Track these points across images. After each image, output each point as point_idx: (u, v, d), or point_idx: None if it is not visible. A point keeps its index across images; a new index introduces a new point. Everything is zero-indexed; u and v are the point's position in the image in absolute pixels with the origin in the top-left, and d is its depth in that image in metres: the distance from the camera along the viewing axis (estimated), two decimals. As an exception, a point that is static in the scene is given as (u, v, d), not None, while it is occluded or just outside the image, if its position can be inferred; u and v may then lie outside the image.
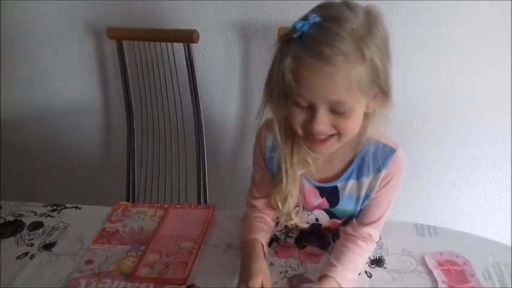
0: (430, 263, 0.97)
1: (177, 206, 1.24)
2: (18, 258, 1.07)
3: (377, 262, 0.99)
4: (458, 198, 1.64)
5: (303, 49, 0.76)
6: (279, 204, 0.95)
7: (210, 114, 1.59)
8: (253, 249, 0.95)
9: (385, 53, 0.79)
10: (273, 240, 1.06)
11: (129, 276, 1.00)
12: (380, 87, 0.80)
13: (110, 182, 1.70)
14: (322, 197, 0.96)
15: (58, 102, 1.73)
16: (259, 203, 1.03)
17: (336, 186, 0.94)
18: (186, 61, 1.45)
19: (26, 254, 1.08)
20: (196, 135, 1.53)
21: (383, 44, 0.78)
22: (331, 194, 0.95)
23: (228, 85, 1.59)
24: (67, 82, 1.69)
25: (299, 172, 0.92)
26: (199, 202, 1.55)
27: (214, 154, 1.65)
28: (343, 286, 0.89)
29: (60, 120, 1.77)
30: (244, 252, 0.97)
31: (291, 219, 0.98)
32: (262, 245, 0.98)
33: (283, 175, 0.91)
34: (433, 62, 1.42)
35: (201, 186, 1.53)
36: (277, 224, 1.03)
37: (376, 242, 0.98)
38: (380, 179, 0.91)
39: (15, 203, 1.25)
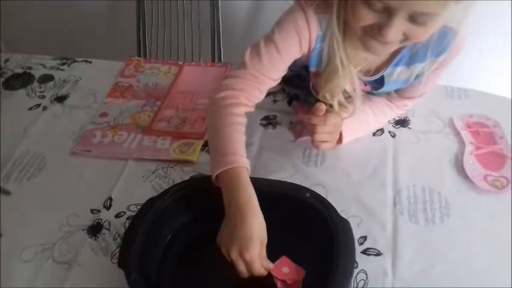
0: (458, 124, 0.93)
1: (192, 64, 1.18)
2: (30, 109, 1.05)
3: (402, 123, 0.96)
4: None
5: None
6: (327, 97, 0.82)
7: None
8: (244, 189, 0.70)
9: None
10: (293, 97, 1.02)
11: (146, 130, 0.98)
12: None
13: (120, 41, 1.62)
14: (365, 85, 0.88)
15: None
16: (251, 83, 0.80)
17: (382, 76, 0.85)
18: None
19: (38, 105, 1.06)
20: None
21: None
22: (375, 82, 0.87)
23: None
24: None
25: (355, 69, 0.80)
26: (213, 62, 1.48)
27: (229, 15, 1.54)
28: (343, 128, 0.85)
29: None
30: (232, 193, 0.70)
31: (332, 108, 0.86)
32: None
33: (339, 68, 0.78)
34: None
35: (215, 46, 1.45)
36: None
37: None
38: (436, 64, 0.81)
39: (22, 56, 1.20)
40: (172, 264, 0.73)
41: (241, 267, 0.67)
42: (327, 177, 0.86)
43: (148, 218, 0.73)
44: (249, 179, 0.72)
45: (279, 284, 0.69)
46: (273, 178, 0.80)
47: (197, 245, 0.76)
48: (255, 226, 0.67)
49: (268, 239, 0.71)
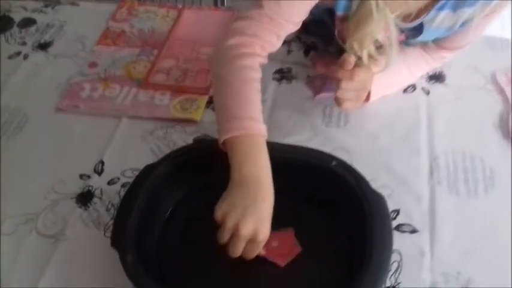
0: (502, 80, 0.81)
1: (193, 7, 1.05)
2: (10, 58, 0.92)
3: (436, 78, 0.84)
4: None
5: None
6: (355, 48, 0.69)
7: None
8: (259, 160, 0.60)
9: None
10: (310, 47, 0.89)
11: (142, 83, 0.85)
12: None
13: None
14: (401, 32, 0.73)
15: None
16: (267, 26, 0.66)
17: (422, 23, 0.71)
18: None
19: (19, 53, 0.93)
20: None
21: None
22: (413, 29, 0.73)
23: None
24: None
25: (392, 14, 0.66)
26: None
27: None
28: (372, 85, 0.73)
29: None
30: (243, 163, 0.59)
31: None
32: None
33: (373, 12, 0.64)
34: None
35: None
36: None
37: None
38: (488, 8, 0.68)
39: (-1, -4, 1.06)
40: (174, 241, 0.63)
41: (240, 247, 0.57)
42: (351, 141, 0.74)
43: (146, 187, 0.62)
44: (266, 149, 0.60)
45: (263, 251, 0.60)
46: (288, 141, 0.69)
47: (203, 218, 0.65)
48: (270, 204, 0.57)
49: (285, 214, 0.61)
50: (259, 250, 0.59)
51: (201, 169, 0.66)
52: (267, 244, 0.60)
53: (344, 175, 0.61)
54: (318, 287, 0.59)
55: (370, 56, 0.71)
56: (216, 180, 0.65)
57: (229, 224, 0.56)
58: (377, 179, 0.68)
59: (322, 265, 0.60)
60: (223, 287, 0.59)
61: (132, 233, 0.57)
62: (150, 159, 0.68)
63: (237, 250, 0.57)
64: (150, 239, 0.61)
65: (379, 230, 0.56)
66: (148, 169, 0.64)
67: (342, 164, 0.63)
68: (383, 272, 0.54)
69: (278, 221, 0.63)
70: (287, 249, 0.62)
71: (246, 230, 0.56)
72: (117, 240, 0.57)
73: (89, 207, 0.68)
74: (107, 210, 0.68)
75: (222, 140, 0.61)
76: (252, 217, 0.56)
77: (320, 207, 0.64)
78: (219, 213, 0.57)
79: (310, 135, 0.76)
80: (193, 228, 0.64)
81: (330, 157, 0.64)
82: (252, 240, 0.57)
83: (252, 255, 0.58)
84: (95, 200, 0.69)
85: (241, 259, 0.59)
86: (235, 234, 0.56)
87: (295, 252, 0.61)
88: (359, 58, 0.70)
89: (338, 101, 0.73)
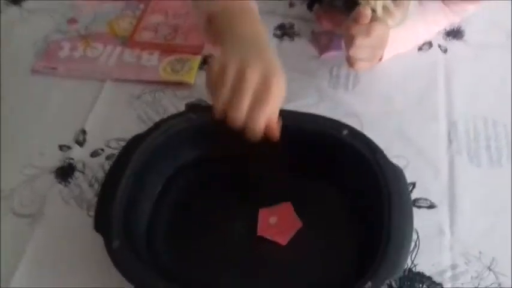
0: (528, 36, 0.74)
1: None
2: (-22, 13, 0.83)
3: (454, 34, 0.75)
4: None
5: None
6: None
7: None
8: (256, 26, 0.55)
9: None
10: (314, 0, 0.80)
11: (127, 41, 0.77)
12: None
13: None
14: None
15: None
16: None
17: None
18: None
19: (-12, 6, 0.83)
20: None
21: None
22: None
23: None
24: None
25: None
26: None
27: None
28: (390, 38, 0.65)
29: None
30: (236, 25, 0.54)
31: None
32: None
33: None
34: None
35: None
36: None
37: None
38: None
39: None
40: (166, 221, 0.56)
41: (245, 99, 0.47)
42: (361, 105, 0.67)
43: (134, 161, 0.55)
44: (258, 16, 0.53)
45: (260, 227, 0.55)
46: (291, 107, 0.61)
47: (198, 196, 0.59)
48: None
49: (288, 189, 0.58)
50: (272, 108, 0.48)
51: (196, 140, 0.58)
52: (264, 222, 0.55)
53: (357, 145, 0.54)
54: (327, 268, 0.53)
55: (385, 9, 0.62)
56: (213, 153, 0.59)
57: (231, 70, 0.47)
58: (390, 149, 0.60)
59: (332, 244, 0.54)
60: (221, 271, 0.53)
61: (119, 214, 0.51)
62: (138, 128, 0.61)
63: (242, 105, 0.47)
64: (140, 220, 0.55)
65: (398, 207, 0.50)
66: (136, 140, 0.57)
67: (354, 132, 0.55)
68: (405, 253, 0.47)
69: (280, 196, 0.57)
70: (287, 225, 0.56)
71: (252, 72, 0.47)
72: (102, 223, 0.50)
73: (70, 182, 0.61)
74: (90, 185, 0.61)
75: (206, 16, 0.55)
76: (258, 60, 0.48)
77: (327, 181, 0.58)
78: (215, 67, 0.48)
79: (315, 99, 0.68)
80: (187, 207, 0.58)
81: (340, 125, 0.56)
82: (261, 91, 0.47)
83: (260, 115, 0.47)
84: (77, 174, 0.62)
85: (239, 241, 0.54)
86: (239, 82, 0.46)
87: (296, 227, 0.56)
88: (373, 11, 0.62)
89: (350, 61, 0.65)
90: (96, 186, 0.61)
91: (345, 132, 0.55)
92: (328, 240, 0.55)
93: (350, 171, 0.56)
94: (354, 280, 0.48)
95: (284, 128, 0.54)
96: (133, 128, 0.62)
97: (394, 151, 0.60)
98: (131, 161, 0.54)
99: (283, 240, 0.55)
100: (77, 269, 0.54)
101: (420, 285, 0.52)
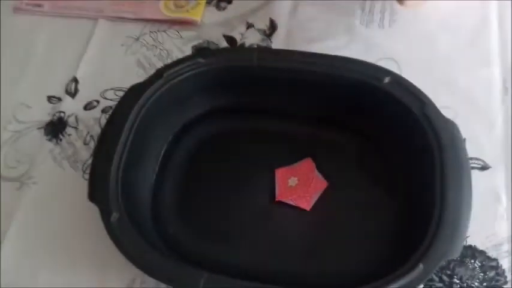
0: None
1: None
2: None
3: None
4: None
5: None
6: None
7: None
8: None
9: None
10: None
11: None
12: None
13: None
14: None
15: None
16: None
17: None
18: None
19: None
20: None
21: None
22: None
23: None
24: None
25: None
26: None
27: None
28: None
29: None
30: None
31: None
32: None
33: None
34: None
35: None
36: None
37: None
38: None
39: None
40: (172, 188, 0.48)
41: None
42: (400, 47, 0.57)
43: (134, 114, 0.46)
44: None
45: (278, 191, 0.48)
46: (317, 49, 0.51)
47: (208, 156, 0.50)
48: None
49: (320, 146, 0.50)
50: None
51: (206, 89, 0.49)
52: (283, 184, 0.48)
53: (401, 96, 0.45)
54: (361, 241, 0.45)
55: None
56: (227, 104, 0.50)
57: None
58: (436, 99, 0.51)
59: (366, 211, 0.46)
60: (235, 245, 0.45)
61: (117, 180, 0.42)
62: (137, 76, 0.53)
63: None
64: (142, 186, 0.47)
65: (454, 168, 0.41)
66: (135, 90, 0.48)
67: (398, 80, 0.46)
68: (464, 225, 0.39)
69: (305, 154, 0.49)
70: (310, 186, 0.48)
71: None
72: (97, 191, 0.42)
73: (61, 140, 0.53)
74: (85, 143, 0.53)
75: None
76: None
77: (361, 138, 0.49)
78: None
79: (345, 40, 0.58)
80: (197, 169, 0.49)
81: (380, 71, 0.47)
82: None
83: None
84: (69, 130, 0.54)
85: (256, 208, 0.46)
86: None
87: (321, 188, 0.48)
88: None
89: None
90: (92, 144, 0.53)
91: (387, 79, 0.46)
92: (360, 204, 0.47)
93: (390, 126, 0.47)
94: (395, 256, 0.40)
95: (307, 75, 0.45)
96: (132, 75, 0.54)
97: (439, 101, 0.50)
98: (130, 116, 0.46)
99: (306, 204, 0.47)
100: (73, 242, 0.47)
101: (472, 261, 0.45)
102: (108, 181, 0.42)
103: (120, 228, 0.40)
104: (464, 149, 0.43)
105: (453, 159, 0.42)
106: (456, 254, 0.38)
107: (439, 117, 0.44)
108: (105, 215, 0.41)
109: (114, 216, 0.41)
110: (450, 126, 0.44)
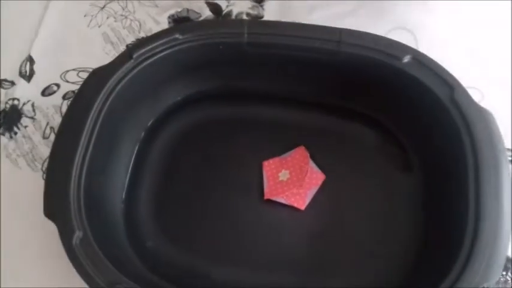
0: None
1: None
2: None
3: None
4: None
5: None
6: None
7: None
8: None
9: None
10: None
11: None
12: None
13: None
14: None
15: None
16: None
17: None
18: None
19: None
20: None
21: None
22: None
23: None
24: None
25: None
26: None
27: None
28: None
29: None
30: None
31: None
32: None
33: None
34: None
35: None
36: None
37: None
38: None
39: None
40: (148, 188, 0.41)
41: None
42: (415, 15, 0.48)
43: (101, 103, 0.37)
44: None
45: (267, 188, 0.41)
46: (319, 19, 0.44)
47: (189, 149, 0.42)
48: None
49: (323, 134, 0.42)
50: None
51: (184, 72, 0.41)
52: (272, 179, 0.41)
53: (423, 78, 0.37)
54: (373, 246, 0.39)
55: None
56: (210, 89, 0.42)
57: None
58: (459, 77, 0.43)
59: (377, 216, 0.39)
60: (217, 256, 0.38)
61: (80, 191, 0.34)
62: (104, 53, 0.45)
63: None
64: (112, 193, 0.39)
65: (490, 165, 0.34)
66: (99, 75, 0.39)
67: (420, 59, 0.37)
68: (505, 241, 0.32)
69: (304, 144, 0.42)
70: (305, 180, 0.40)
71: None
72: (55, 206, 0.34)
73: (16, 133, 0.45)
74: (45, 137, 0.44)
75: None
76: None
77: (376, 128, 0.42)
78: None
79: (353, 6, 0.49)
80: (177, 170, 0.41)
81: (399, 48, 0.38)
82: None
83: None
84: (25, 121, 0.45)
85: (243, 209, 0.40)
86: None
87: (318, 182, 0.40)
88: None
89: None
90: (53, 137, 0.44)
91: (407, 58, 0.37)
92: (367, 204, 0.40)
93: (409, 116, 0.39)
94: (415, 271, 0.34)
95: (310, 51, 0.38)
96: (98, 52, 0.46)
97: (463, 80, 0.43)
98: (93, 107, 0.37)
99: (301, 203, 0.40)
100: (33, 262, 0.39)
101: (504, 273, 0.38)
102: (68, 192, 0.34)
103: (84, 251, 0.32)
104: (502, 143, 0.35)
105: (489, 157, 0.34)
106: (493, 281, 0.31)
107: (471, 105, 0.36)
108: (65, 236, 0.33)
109: (77, 235, 0.33)
110: (485, 115, 0.36)
